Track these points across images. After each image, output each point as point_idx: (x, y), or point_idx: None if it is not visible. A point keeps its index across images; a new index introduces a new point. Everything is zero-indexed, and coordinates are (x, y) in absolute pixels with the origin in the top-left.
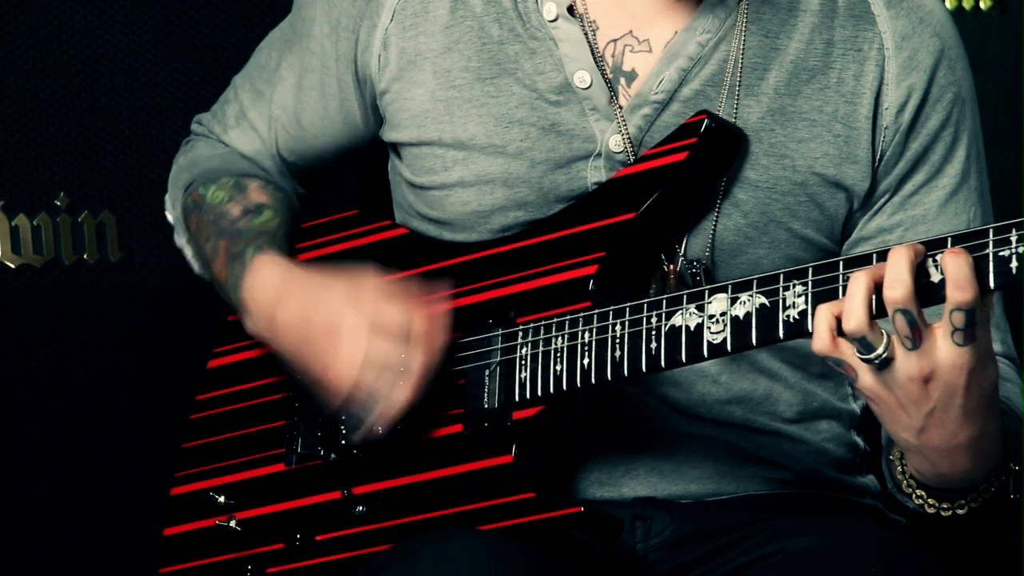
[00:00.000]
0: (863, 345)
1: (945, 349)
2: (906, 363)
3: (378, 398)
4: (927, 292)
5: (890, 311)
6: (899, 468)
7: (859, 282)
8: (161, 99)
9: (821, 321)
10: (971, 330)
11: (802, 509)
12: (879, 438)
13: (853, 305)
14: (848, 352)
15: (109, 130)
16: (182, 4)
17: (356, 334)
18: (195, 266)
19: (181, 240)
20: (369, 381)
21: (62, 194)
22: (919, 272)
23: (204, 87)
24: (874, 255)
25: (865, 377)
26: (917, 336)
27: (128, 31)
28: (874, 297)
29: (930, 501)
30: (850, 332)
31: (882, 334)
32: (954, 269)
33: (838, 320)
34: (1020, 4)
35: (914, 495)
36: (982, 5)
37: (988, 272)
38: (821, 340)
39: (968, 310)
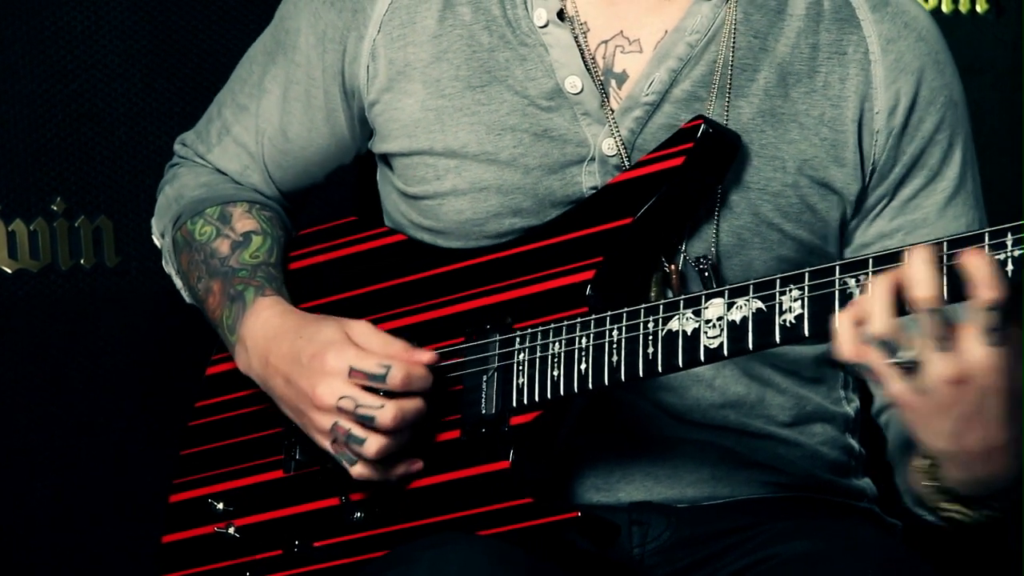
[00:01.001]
0: (890, 348)
1: (978, 351)
2: (938, 365)
3: (352, 444)
4: (951, 292)
5: (919, 312)
6: (929, 483)
7: (880, 284)
8: (158, 104)
9: (844, 327)
10: (1004, 331)
11: (798, 513)
12: (874, 441)
13: (876, 307)
14: (875, 357)
15: (106, 135)
16: (179, 9)
17: (333, 379)
18: (185, 296)
19: (170, 268)
20: (343, 427)
21: (59, 199)
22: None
23: (201, 92)
24: (870, 259)
25: (894, 382)
26: (948, 336)
27: (125, 36)
28: (896, 299)
29: (966, 511)
30: (876, 335)
31: (909, 336)
32: (979, 269)
33: (862, 324)
34: (1017, 7)
35: (944, 508)
36: (978, 9)
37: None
38: (846, 346)
39: (998, 309)
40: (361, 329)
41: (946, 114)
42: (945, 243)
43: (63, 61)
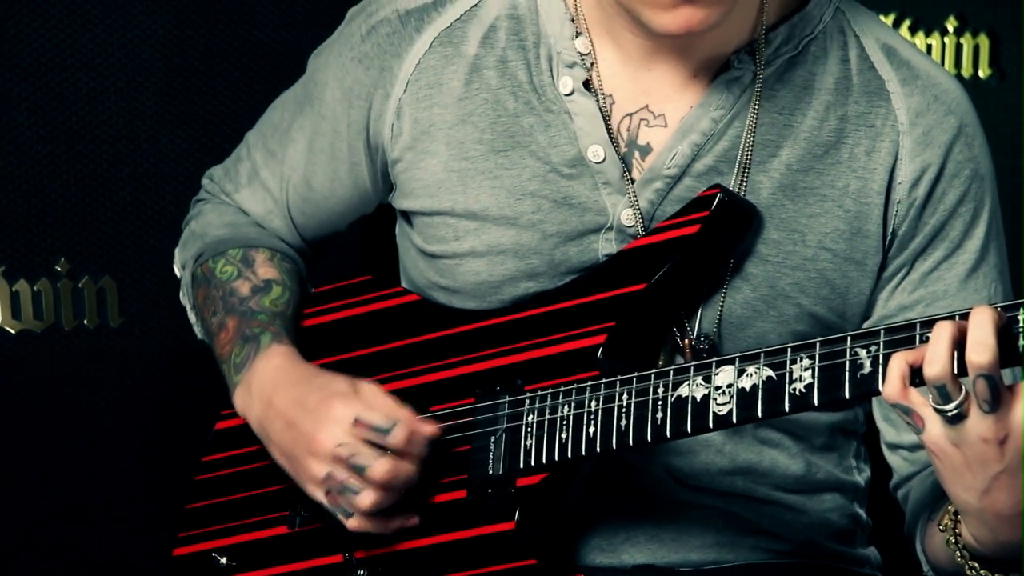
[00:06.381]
0: (942, 395)
1: (1021, 414)
2: (981, 423)
3: (348, 494)
4: (1007, 356)
5: (972, 375)
6: (951, 539)
7: (944, 330)
8: (162, 165)
9: (894, 368)
10: None
11: None
12: (882, 511)
13: (938, 351)
14: (918, 401)
15: (110, 196)
16: (184, 71)
17: (336, 426)
18: (197, 331)
19: (186, 300)
20: (338, 477)
21: (63, 259)
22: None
23: (205, 154)
24: (881, 331)
25: (934, 428)
26: (996, 400)
27: (130, 98)
28: (956, 352)
29: (983, 573)
30: (932, 379)
31: (960, 387)
32: None
33: (911, 369)
34: (1019, 72)
35: (967, 567)
36: (981, 74)
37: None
38: (892, 387)
39: None
40: (370, 388)
41: (971, 187)
42: (1000, 307)
43: (67, 122)
